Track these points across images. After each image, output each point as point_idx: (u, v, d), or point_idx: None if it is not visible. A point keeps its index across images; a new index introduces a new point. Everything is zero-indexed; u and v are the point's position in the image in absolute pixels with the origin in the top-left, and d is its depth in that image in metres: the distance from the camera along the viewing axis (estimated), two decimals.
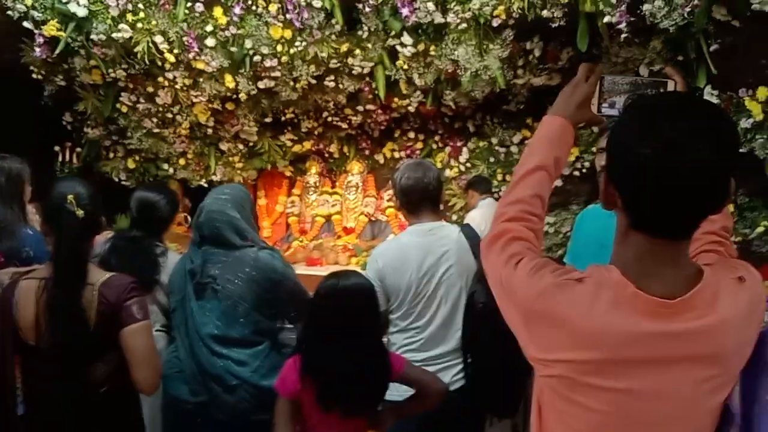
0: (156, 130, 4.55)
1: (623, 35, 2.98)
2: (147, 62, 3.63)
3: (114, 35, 3.41)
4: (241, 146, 5.06)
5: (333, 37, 3.59)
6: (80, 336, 1.61)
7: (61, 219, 1.64)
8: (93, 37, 3.43)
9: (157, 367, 1.71)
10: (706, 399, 0.97)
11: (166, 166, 4.99)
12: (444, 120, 5.06)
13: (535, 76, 3.89)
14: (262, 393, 2.01)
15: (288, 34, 3.47)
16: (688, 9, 2.71)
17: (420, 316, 2.11)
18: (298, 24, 3.42)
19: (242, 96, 4.06)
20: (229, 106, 4.52)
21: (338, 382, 1.70)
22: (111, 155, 4.86)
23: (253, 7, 3.42)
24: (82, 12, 3.31)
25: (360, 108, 4.70)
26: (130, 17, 3.39)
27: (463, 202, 4.82)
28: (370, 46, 3.67)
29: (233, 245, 2.11)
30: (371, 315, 1.80)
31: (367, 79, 4.07)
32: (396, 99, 4.41)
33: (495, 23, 3.24)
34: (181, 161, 4.95)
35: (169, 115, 4.39)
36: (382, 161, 5.36)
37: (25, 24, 3.34)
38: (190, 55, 3.58)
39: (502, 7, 3.14)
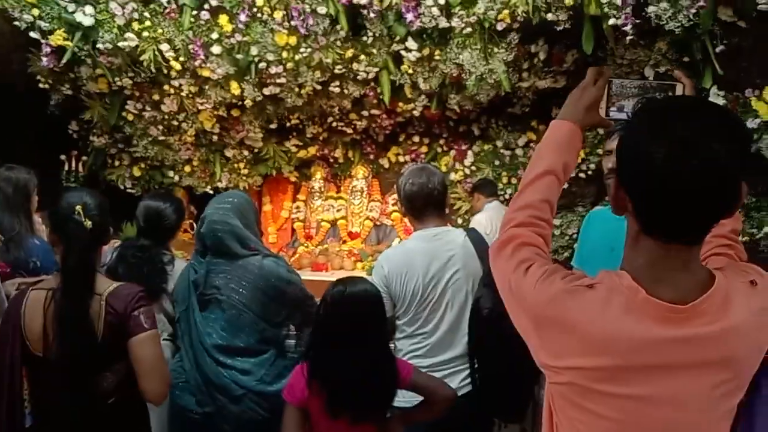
0: (162, 138, 4.57)
1: (628, 37, 2.97)
2: (153, 70, 3.65)
3: (120, 44, 3.44)
4: (246, 152, 5.08)
5: (338, 43, 3.61)
6: (88, 347, 1.60)
7: (69, 229, 1.64)
8: (99, 46, 3.45)
9: (165, 376, 1.70)
10: (719, 404, 0.96)
11: (171, 173, 5.01)
12: (449, 124, 5.07)
13: (540, 79, 3.90)
14: (269, 398, 2.01)
15: (293, 40, 3.48)
16: (693, 10, 2.71)
17: (426, 321, 2.10)
18: (303, 30, 3.44)
19: (248, 102, 4.08)
20: (235, 112, 4.54)
21: (346, 389, 1.70)
22: (117, 163, 4.89)
23: (259, 15, 3.43)
24: (88, 21, 3.34)
25: (365, 113, 4.71)
26: (136, 26, 3.41)
27: (469, 206, 4.82)
28: (374, 51, 3.68)
29: (236, 254, 2.09)
30: (378, 321, 1.80)
31: (372, 84, 4.08)
32: (401, 103, 4.42)
33: (500, 27, 3.25)
34: (187, 168, 4.97)
35: (175, 123, 4.41)
36: (387, 166, 5.37)
37: (32, 34, 3.36)
38: (196, 63, 3.60)
39: (506, 11, 3.15)
